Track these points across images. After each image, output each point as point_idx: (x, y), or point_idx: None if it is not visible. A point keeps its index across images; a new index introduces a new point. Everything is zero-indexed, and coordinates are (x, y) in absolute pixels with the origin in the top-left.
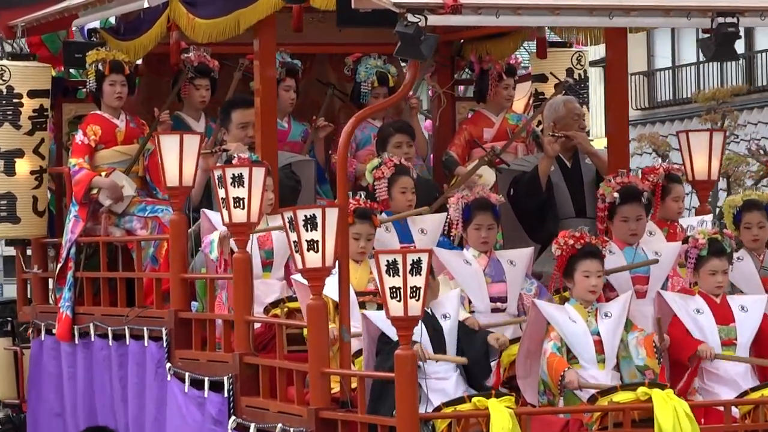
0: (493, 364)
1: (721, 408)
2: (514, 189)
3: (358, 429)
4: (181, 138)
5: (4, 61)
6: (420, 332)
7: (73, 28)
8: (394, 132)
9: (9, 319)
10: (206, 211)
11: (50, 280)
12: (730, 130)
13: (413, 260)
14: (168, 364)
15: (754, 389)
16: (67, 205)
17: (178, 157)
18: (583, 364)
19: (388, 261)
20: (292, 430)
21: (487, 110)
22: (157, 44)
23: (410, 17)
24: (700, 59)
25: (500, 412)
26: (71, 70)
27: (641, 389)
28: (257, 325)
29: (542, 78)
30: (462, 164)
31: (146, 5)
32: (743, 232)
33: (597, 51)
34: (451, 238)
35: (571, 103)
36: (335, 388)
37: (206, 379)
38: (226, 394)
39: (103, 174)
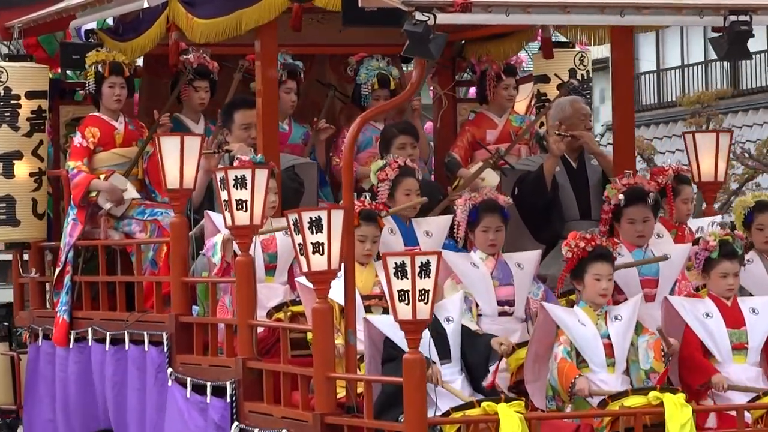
0: (491, 367)
1: (734, 413)
2: (519, 188)
3: None
4: (181, 140)
5: (1, 62)
6: (427, 339)
7: (71, 29)
8: (397, 133)
9: (6, 323)
10: (210, 213)
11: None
12: None
13: (422, 263)
14: (169, 369)
15: (766, 393)
16: (65, 208)
17: (179, 159)
18: (593, 367)
19: (396, 263)
20: None
21: (489, 112)
22: (156, 45)
23: (419, 15)
24: (685, 63)
25: (510, 417)
26: (68, 72)
27: (653, 393)
28: (260, 330)
29: (545, 79)
30: (464, 166)
31: (146, 5)
32: (755, 234)
33: (597, 51)
34: (457, 239)
35: (578, 102)
36: (340, 393)
37: (208, 384)
38: (228, 400)
39: (102, 177)
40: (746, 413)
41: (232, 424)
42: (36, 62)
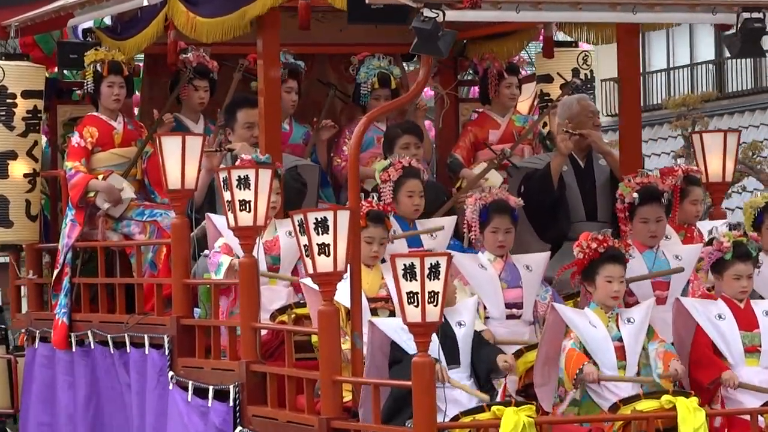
0: (494, 381)
1: (747, 417)
2: (526, 186)
3: None
4: (183, 139)
5: None
6: (436, 343)
7: (68, 28)
8: (401, 133)
9: (2, 326)
10: (211, 215)
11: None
12: None
13: (431, 264)
14: (170, 373)
15: None
16: (63, 209)
17: (180, 159)
18: (604, 370)
19: (405, 265)
20: None
21: (492, 112)
22: (154, 44)
23: (427, 12)
24: (671, 65)
25: (509, 418)
26: (65, 72)
27: (665, 397)
28: (263, 333)
29: (548, 78)
30: (467, 167)
31: (145, 3)
32: (764, 235)
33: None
34: (466, 239)
35: (585, 101)
36: (347, 396)
37: (210, 387)
38: (231, 404)
39: (100, 177)
40: (759, 417)
41: (235, 428)
42: (32, 61)
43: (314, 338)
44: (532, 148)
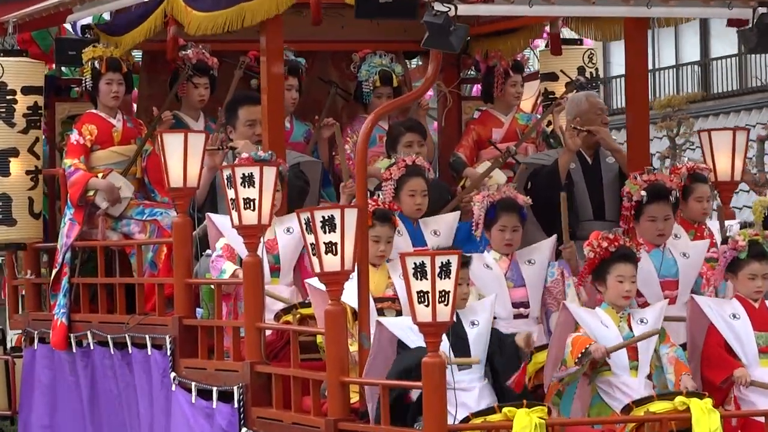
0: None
1: (762, 419)
2: (533, 182)
3: None
4: (185, 137)
5: None
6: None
7: (66, 24)
8: (404, 131)
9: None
10: (212, 215)
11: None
12: (685, 137)
13: (442, 263)
14: (172, 374)
15: None
16: (62, 208)
17: (182, 156)
18: (615, 371)
19: (415, 264)
20: None
21: (495, 110)
22: (153, 41)
23: (439, 6)
24: (656, 66)
25: (521, 419)
26: (63, 68)
27: (679, 399)
28: (267, 333)
29: (552, 77)
30: (470, 166)
31: None
32: None
33: None
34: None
35: (594, 98)
36: (353, 398)
37: (214, 389)
38: (236, 405)
39: (100, 175)
40: None
41: (239, 430)
42: (30, 58)
43: (319, 339)
44: (536, 146)
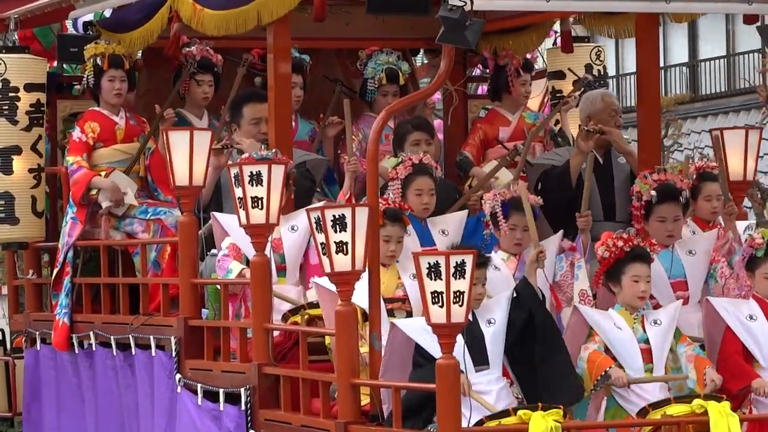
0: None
1: None
2: (543, 183)
3: None
4: (191, 134)
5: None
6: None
7: (68, 21)
8: (412, 129)
9: None
10: (217, 214)
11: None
12: (673, 138)
13: (457, 262)
14: (178, 375)
15: None
16: (63, 207)
17: (188, 154)
18: (630, 373)
19: (429, 263)
20: None
21: (502, 108)
22: (156, 37)
23: (454, 1)
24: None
25: (537, 422)
26: (65, 66)
27: (696, 402)
28: (274, 334)
29: (560, 75)
30: (477, 165)
31: None
32: None
33: None
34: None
35: (609, 97)
36: (364, 400)
37: (221, 390)
38: (243, 407)
39: (103, 174)
40: None
41: None
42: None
43: (328, 340)
44: (543, 145)
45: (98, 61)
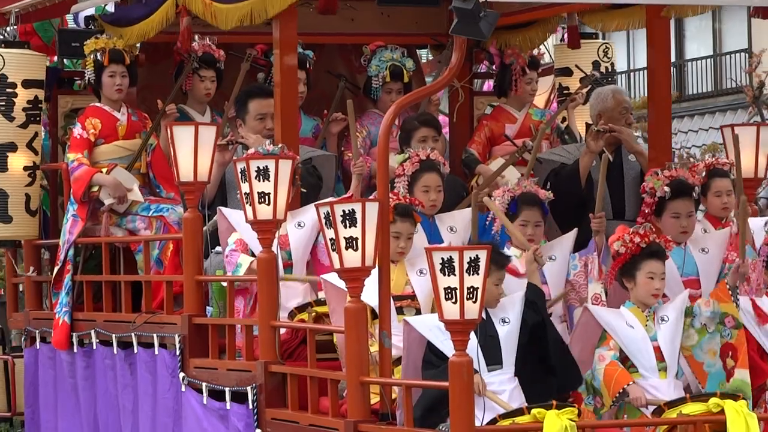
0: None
1: None
2: (552, 183)
3: None
4: (195, 129)
5: None
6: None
7: (69, 15)
8: (419, 125)
9: None
10: (224, 209)
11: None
12: None
13: (471, 258)
14: (181, 374)
15: None
16: (64, 204)
17: (193, 149)
18: (643, 372)
19: (443, 259)
20: None
21: (509, 105)
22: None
23: None
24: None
25: (552, 421)
26: (65, 61)
27: (713, 400)
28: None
29: (566, 71)
30: (483, 162)
31: None
32: None
33: None
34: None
35: (620, 94)
36: (373, 399)
37: (227, 389)
38: (250, 406)
39: (104, 170)
40: None
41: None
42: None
43: (335, 337)
44: (550, 142)
45: (99, 56)
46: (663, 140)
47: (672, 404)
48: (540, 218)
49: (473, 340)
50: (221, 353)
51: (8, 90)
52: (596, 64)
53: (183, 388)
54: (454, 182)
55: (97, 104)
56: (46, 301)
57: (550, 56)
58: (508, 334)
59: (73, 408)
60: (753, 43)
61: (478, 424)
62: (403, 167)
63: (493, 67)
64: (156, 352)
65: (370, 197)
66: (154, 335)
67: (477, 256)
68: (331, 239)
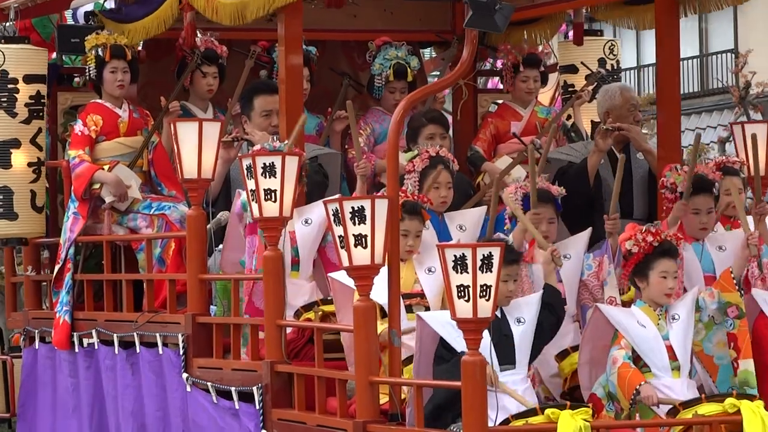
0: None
1: None
2: (560, 182)
3: None
4: (200, 125)
5: None
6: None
7: (68, 11)
8: (426, 122)
9: None
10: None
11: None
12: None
13: (484, 255)
14: (185, 374)
15: None
16: (65, 202)
17: (197, 146)
18: (656, 372)
19: (455, 256)
20: None
21: (514, 103)
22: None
23: None
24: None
25: (566, 422)
26: (64, 57)
27: (729, 401)
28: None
29: (572, 69)
30: (488, 160)
31: None
32: None
33: None
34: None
35: (628, 92)
36: (383, 399)
37: (233, 389)
38: (257, 406)
39: (106, 168)
40: None
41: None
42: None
43: (342, 336)
44: (556, 140)
45: (100, 51)
46: (672, 138)
47: (687, 404)
48: (553, 215)
49: (486, 338)
50: (225, 353)
51: (9, 86)
52: (602, 62)
53: (188, 388)
54: (460, 180)
55: (99, 101)
56: (46, 301)
57: (554, 53)
58: (523, 334)
59: (73, 408)
60: (739, 44)
61: (491, 424)
62: (413, 164)
63: (496, 64)
64: (160, 352)
65: (378, 193)
66: (158, 335)
67: (490, 253)
68: (339, 236)
